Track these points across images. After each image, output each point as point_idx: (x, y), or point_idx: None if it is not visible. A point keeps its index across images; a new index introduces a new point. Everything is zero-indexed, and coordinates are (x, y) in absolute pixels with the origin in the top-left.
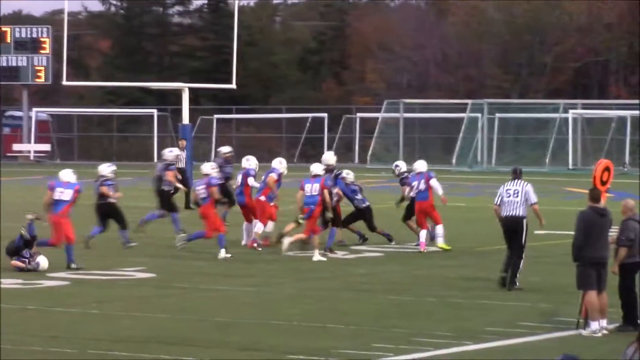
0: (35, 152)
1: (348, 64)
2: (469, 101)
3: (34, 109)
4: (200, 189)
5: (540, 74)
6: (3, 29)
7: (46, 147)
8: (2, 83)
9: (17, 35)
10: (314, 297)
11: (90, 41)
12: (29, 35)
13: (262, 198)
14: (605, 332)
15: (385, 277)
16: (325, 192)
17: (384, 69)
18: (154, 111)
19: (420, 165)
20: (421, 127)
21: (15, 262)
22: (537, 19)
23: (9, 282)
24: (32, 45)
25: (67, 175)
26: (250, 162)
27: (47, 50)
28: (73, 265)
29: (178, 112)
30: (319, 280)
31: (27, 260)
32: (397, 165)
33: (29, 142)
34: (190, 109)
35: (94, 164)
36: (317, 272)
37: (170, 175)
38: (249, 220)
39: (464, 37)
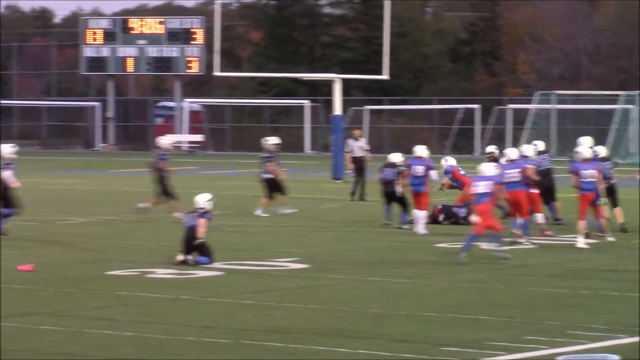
0: (189, 142)
1: (499, 55)
2: (622, 92)
3: (186, 100)
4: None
5: None
6: (157, 20)
7: (199, 137)
8: (155, 74)
9: (170, 26)
10: (466, 289)
11: (241, 32)
12: (181, 26)
13: (535, 190)
14: None
15: (538, 269)
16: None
17: (535, 60)
18: (306, 102)
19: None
20: (573, 118)
21: (181, 258)
22: None
23: (163, 272)
24: (184, 36)
25: (487, 168)
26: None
27: (200, 41)
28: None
29: (329, 103)
30: (471, 272)
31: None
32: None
33: (182, 132)
34: (341, 99)
35: (246, 155)
36: (469, 264)
37: (401, 179)
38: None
39: (616, 28)
